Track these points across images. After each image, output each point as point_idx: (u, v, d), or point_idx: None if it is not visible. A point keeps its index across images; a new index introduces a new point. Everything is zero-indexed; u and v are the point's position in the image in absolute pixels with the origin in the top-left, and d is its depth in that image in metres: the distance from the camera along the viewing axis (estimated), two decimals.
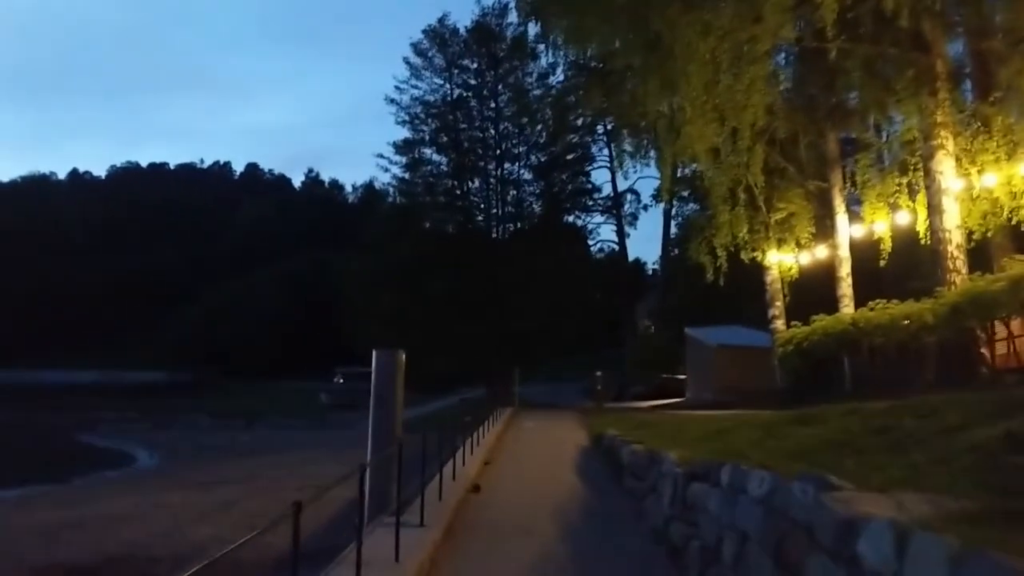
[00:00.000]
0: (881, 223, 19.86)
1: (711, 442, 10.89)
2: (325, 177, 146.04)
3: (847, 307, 21.43)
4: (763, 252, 25.20)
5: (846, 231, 21.77)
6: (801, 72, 19.61)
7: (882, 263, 20.10)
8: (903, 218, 19.20)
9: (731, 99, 16.15)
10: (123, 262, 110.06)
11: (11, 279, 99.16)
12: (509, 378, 37.87)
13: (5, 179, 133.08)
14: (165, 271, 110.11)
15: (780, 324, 25.24)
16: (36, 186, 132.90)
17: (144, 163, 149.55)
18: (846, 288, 21.60)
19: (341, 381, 77.42)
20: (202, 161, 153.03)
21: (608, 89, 23.93)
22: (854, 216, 22.67)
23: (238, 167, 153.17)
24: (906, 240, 20.26)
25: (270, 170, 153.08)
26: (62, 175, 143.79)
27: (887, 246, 19.86)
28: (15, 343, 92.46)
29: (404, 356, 10.16)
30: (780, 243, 25.12)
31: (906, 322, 18.31)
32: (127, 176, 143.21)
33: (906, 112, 16.88)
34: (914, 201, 18.98)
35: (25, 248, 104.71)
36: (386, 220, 50.38)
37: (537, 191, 49.10)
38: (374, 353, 9.69)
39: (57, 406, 73.41)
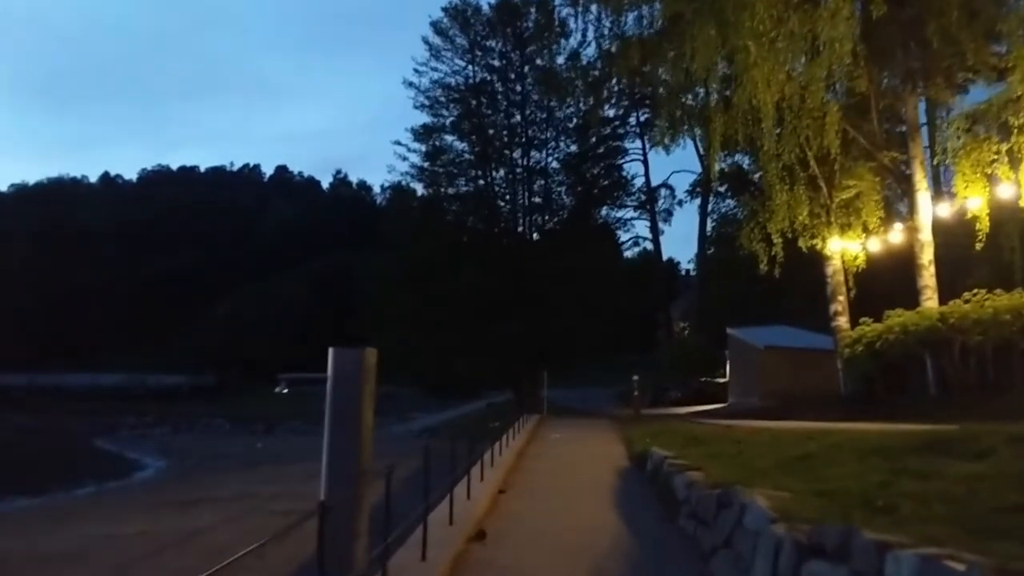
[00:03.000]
0: (976, 199, 16.65)
1: (802, 475, 7.97)
2: (353, 179, 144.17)
3: (930, 300, 18.36)
4: (823, 239, 22.16)
5: (928, 211, 18.61)
6: (876, 24, 16.50)
7: (979, 246, 16.91)
8: (1004, 192, 16.07)
9: (805, 35, 13.14)
10: (152, 265, 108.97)
11: (40, 282, 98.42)
12: (537, 382, 35.27)
13: (37, 182, 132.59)
14: (193, 274, 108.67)
15: (843, 322, 22.23)
16: (67, 189, 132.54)
17: (175, 166, 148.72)
18: (928, 278, 18.49)
19: (284, 391, 76.21)
20: (232, 164, 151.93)
21: (647, 53, 21.02)
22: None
23: (268, 170, 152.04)
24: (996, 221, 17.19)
25: (299, 173, 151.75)
26: (93, 179, 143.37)
27: (984, 226, 16.63)
28: (43, 346, 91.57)
29: (376, 357, 6.71)
30: (844, 228, 22.06)
31: (1008, 317, 15.40)
32: (158, 179, 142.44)
33: (1017, 59, 13.80)
34: (1016, 171, 15.89)
35: (54, 251, 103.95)
36: (405, 213, 47.68)
37: (567, 183, 46.08)
38: (330, 353, 6.32)
39: (81, 410, 72.43)
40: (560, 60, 41.45)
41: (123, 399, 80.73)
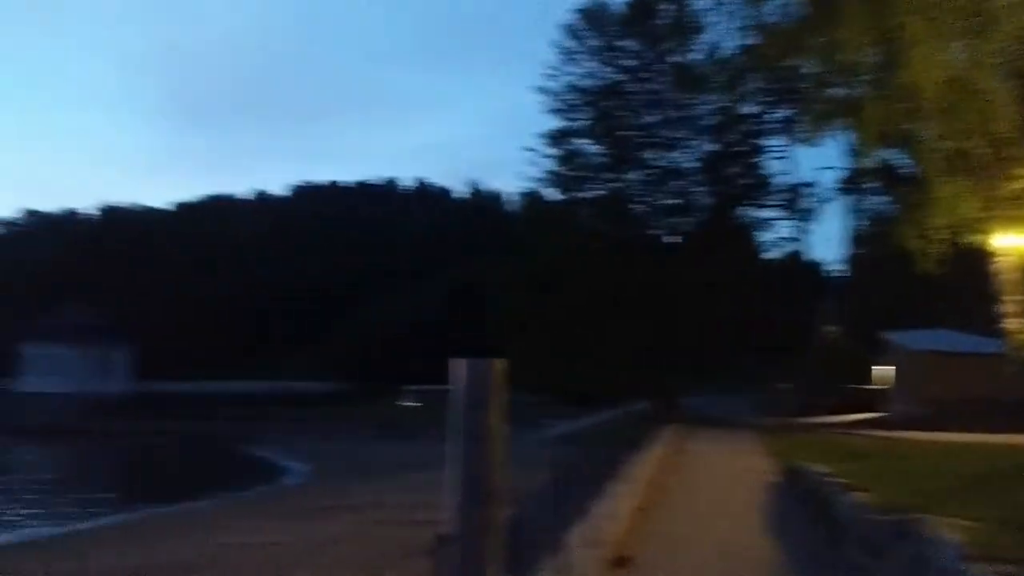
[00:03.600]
0: None
1: (990, 500, 6.92)
2: (484, 187, 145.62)
3: None
4: (991, 234, 20.17)
5: None
6: None
7: None
8: None
9: (974, 8, 11.79)
10: (300, 276, 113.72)
11: (196, 293, 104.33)
12: (673, 389, 34.12)
13: (193, 198, 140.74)
14: (335, 284, 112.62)
15: (1017, 323, 20.20)
16: (221, 205, 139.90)
17: (322, 181, 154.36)
18: None
19: (411, 404, 76.00)
20: (372, 177, 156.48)
21: (790, 44, 19.76)
22: None
23: (407, 181, 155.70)
24: None
25: (433, 183, 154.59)
26: (248, 195, 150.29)
27: None
28: (197, 354, 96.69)
29: (505, 367, 5.96)
30: (1015, 222, 20.00)
31: None
32: (305, 194, 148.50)
33: None
34: None
35: (210, 264, 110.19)
36: (538, 219, 47.44)
37: (704, 183, 44.59)
38: (454, 364, 5.64)
39: (231, 417, 76.03)
40: (696, 56, 40.32)
41: (271, 406, 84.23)
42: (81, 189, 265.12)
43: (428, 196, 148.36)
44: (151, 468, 43.12)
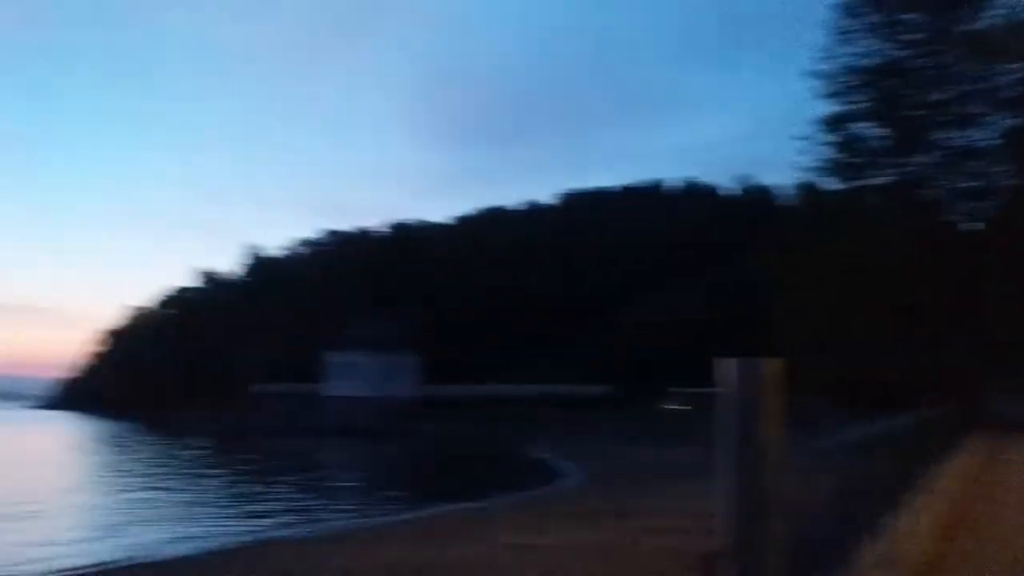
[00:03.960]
0: None
1: None
2: (751, 183, 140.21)
3: None
4: None
5: None
6: None
7: None
8: None
9: None
10: (568, 281, 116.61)
11: (473, 300, 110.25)
12: (978, 389, 30.59)
13: (471, 211, 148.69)
14: (602, 287, 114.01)
15: None
16: (495, 217, 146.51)
17: (587, 187, 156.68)
18: None
19: (677, 407, 72.56)
20: (637, 180, 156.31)
21: None
22: None
23: (673, 183, 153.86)
24: None
25: (703, 182, 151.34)
26: (518, 205, 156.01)
27: None
28: (476, 359, 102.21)
29: (779, 368, 5.39)
30: None
31: None
32: (572, 201, 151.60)
33: None
34: None
35: (485, 272, 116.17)
36: (816, 211, 44.66)
37: (1007, 161, 39.73)
38: (720, 365, 5.17)
39: (510, 418, 79.46)
40: (992, 23, 35.98)
41: (545, 408, 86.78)
42: (372, 209, 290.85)
43: (695, 195, 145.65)
44: (437, 467, 45.76)
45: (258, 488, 28.71)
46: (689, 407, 72.75)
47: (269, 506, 23.13)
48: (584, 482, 31.46)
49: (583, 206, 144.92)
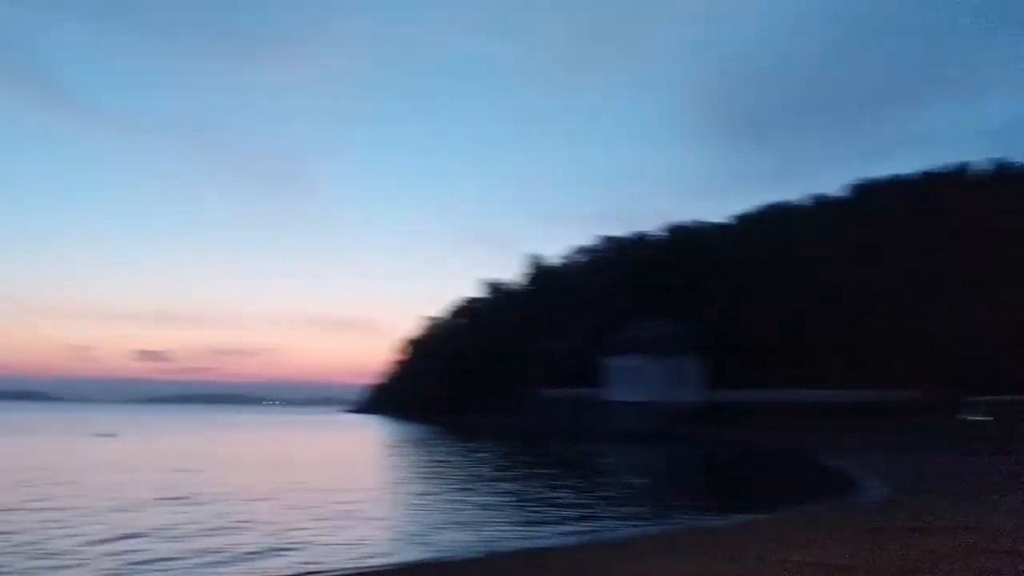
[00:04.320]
0: None
1: None
2: None
3: None
4: None
5: None
6: None
7: None
8: None
9: None
10: (863, 280, 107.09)
11: (758, 302, 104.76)
12: None
13: (752, 210, 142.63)
14: (904, 285, 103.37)
15: None
16: (779, 214, 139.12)
17: (882, 175, 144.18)
18: None
19: (980, 419, 63.23)
20: (940, 165, 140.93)
21: None
22: None
23: (982, 165, 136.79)
24: None
25: (1018, 163, 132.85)
26: (804, 201, 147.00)
27: None
28: (762, 363, 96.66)
29: None
30: None
31: None
32: (864, 192, 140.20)
33: None
34: None
35: (770, 272, 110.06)
36: None
37: None
38: None
39: (805, 426, 74.53)
40: None
41: (845, 415, 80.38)
42: (648, 215, 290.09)
43: (1009, 179, 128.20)
44: (724, 476, 43.55)
45: (547, 492, 28.59)
46: (991, 418, 64.62)
47: (555, 512, 22.61)
48: (883, 495, 27.95)
49: (878, 196, 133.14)
